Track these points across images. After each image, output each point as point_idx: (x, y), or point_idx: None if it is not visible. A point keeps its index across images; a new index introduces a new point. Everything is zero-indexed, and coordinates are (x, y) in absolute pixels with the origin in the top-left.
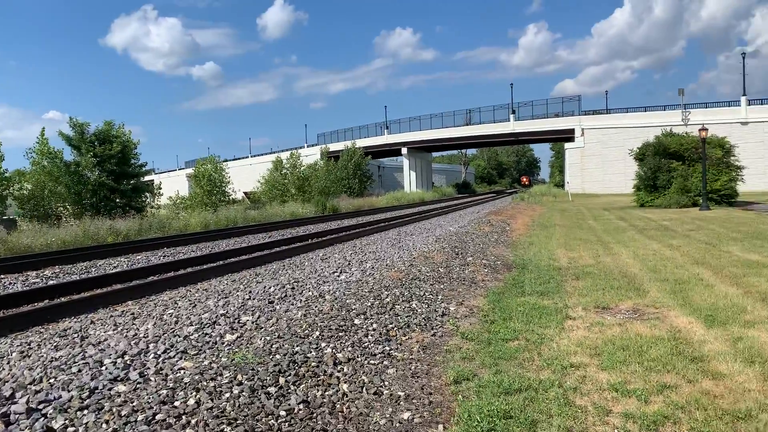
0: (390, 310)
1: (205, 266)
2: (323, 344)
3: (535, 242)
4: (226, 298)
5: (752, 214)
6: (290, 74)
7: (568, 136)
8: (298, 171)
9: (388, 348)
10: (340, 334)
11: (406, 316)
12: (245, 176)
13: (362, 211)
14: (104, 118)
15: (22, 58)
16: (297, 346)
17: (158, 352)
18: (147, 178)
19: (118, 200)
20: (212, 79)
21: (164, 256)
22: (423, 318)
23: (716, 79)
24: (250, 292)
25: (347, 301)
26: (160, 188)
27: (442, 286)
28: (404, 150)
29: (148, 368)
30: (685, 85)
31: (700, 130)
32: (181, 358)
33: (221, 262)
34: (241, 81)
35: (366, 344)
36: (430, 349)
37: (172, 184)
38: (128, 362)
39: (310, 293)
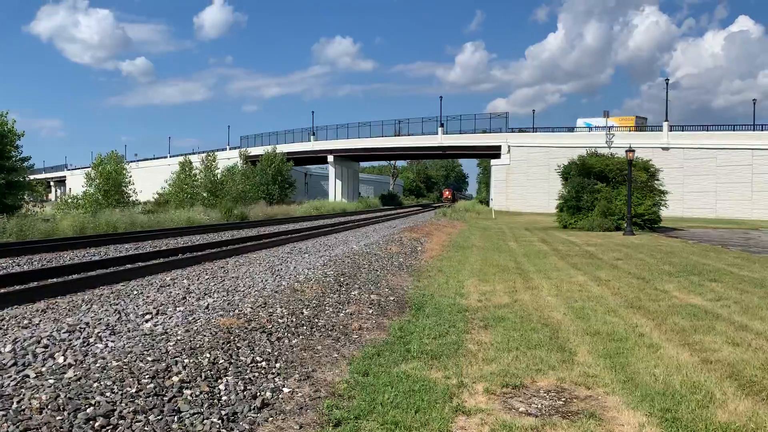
0: (169, 401)
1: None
2: None
3: (445, 269)
4: None
5: (678, 242)
6: (224, 75)
7: (494, 152)
8: (210, 174)
9: None
10: None
11: (193, 414)
12: (162, 177)
13: (272, 220)
14: (21, 108)
15: None
16: None
17: None
18: (57, 174)
19: None
20: (142, 75)
21: None
22: (224, 416)
23: (639, 107)
24: None
25: (96, 384)
26: (46, 187)
27: (293, 342)
28: (330, 158)
29: None
30: (610, 110)
31: (627, 151)
32: None
33: (34, 284)
34: (173, 79)
35: None
36: None
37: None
38: None
39: (62, 359)
